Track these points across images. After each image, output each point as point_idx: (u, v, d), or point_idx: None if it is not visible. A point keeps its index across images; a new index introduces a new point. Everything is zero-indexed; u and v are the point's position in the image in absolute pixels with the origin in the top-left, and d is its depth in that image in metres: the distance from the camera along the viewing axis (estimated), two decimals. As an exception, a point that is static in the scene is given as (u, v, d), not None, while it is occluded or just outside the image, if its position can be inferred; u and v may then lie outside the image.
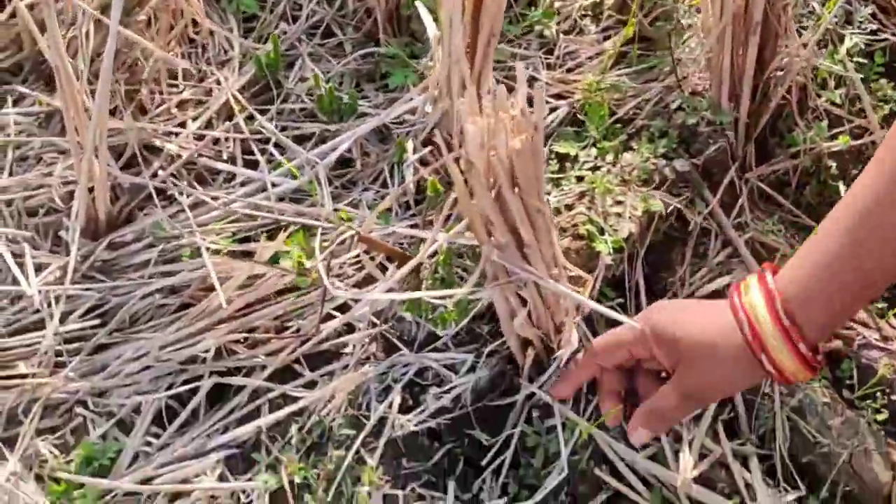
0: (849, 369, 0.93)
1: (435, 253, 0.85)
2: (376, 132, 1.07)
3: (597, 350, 0.79)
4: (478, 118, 0.65)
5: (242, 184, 1.03)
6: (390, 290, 0.80)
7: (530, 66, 1.14)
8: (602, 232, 0.92)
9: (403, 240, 0.95)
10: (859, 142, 1.10)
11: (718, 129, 1.02)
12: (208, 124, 1.09)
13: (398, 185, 1.00)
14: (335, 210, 0.97)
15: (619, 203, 0.95)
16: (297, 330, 0.87)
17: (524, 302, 0.77)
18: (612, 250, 0.90)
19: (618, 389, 0.79)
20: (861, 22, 1.20)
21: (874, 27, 1.19)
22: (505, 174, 0.65)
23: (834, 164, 1.09)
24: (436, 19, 1.01)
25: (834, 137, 1.10)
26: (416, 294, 0.76)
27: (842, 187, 1.08)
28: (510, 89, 0.67)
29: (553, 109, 1.10)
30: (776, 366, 0.67)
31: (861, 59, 1.15)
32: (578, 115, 1.08)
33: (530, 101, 0.65)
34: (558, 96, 1.11)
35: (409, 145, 1.00)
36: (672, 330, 0.72)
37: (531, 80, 1.12)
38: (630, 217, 0.94)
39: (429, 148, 0.99)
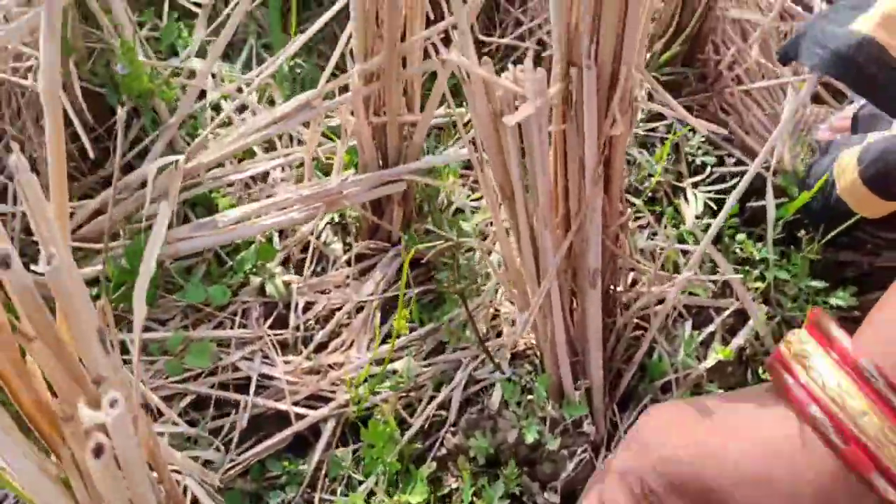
0: None
1: None
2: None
3: None
4: None
5: None
6: None
7: (256, 354, 0.71)
8: None
9: None
10: (740, 341, 0.78)
11: (571, 427, 0.65)
12: None
13: None
14: None
15: None
16: None
17: None
18: None
19: None
20: (692, 155, 0.88)
21: (712, 160, 0.87)
22: None
23: (721, 389, 0.77)
24: None
25: (706, 344, 0.79)
26: None
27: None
28: None
29: (314, 430, 0.68)
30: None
31: (710, 220, 0.83)
32: (349, 433, 0.68)
33: None
34: (314, 399, 0.69)
35: None
36: (698, 471, 0.46)
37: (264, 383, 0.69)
38: None
39: None
